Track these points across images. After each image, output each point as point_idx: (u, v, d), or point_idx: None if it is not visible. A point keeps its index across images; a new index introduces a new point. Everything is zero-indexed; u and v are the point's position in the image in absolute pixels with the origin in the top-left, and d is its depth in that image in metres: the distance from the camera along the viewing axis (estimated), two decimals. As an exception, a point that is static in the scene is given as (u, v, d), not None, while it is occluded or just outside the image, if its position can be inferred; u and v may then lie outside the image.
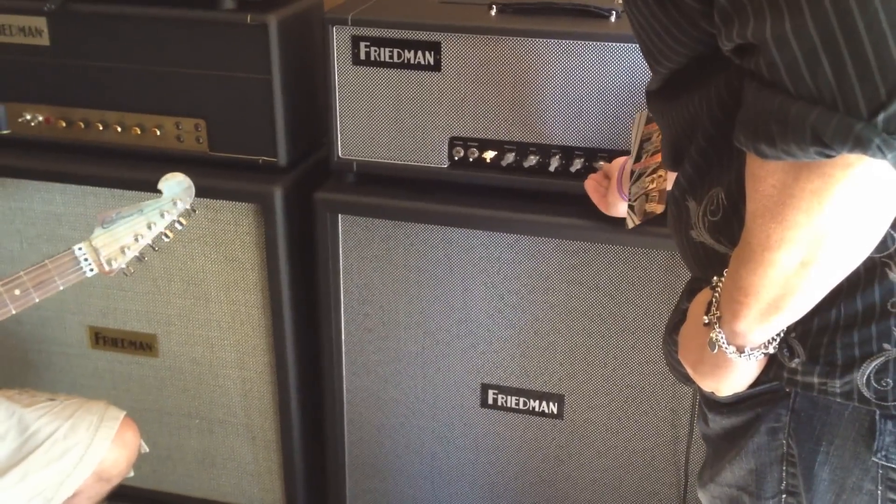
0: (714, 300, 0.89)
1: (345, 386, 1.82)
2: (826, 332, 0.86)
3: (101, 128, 1.76)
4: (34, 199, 1.83)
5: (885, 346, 0.83)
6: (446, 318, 1.72)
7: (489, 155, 1.59)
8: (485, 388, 1.76)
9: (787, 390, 0.91)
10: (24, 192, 1.83)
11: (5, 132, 1.81)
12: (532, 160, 1.58)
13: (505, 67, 1.53)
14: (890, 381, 0.83)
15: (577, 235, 1.59)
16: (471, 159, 1.60)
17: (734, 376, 0.91)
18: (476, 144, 1.59)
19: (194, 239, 1.77)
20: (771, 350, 0.89)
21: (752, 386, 0.93)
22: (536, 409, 1.75)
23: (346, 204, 1.67)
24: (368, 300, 1.74)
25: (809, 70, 0.69)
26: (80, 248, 1.33)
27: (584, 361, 1.69)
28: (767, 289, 0.80)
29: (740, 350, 0.88)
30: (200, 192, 1.42)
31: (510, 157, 1.58)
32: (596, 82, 1.50)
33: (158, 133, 1.73)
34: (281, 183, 1.70)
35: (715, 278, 0.89)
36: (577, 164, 1.56)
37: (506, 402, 1.76)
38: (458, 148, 1.60)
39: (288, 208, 1.71)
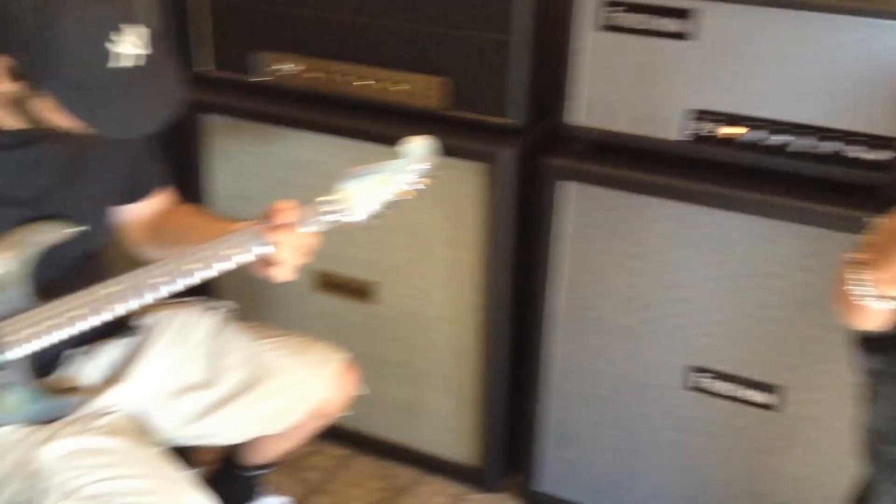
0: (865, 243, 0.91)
1: (554, 353, 1.83)
2: None
3: (352, 81, 1.81)
4: (280, 145, 1.92)
5: None
6: (664, 295, 1.69)
7: (730, 130, 1.54)
8: (693, 370, 1.72)
9: None
10: (270, 137, 1.93)
11: (267, 79, 1.90)
12: (778, 139, 1.51)
13: (764, 40, 1.46)
14: None
15: (818, 221, 1.52)
16: (711, 134, 1.55)
17: (869, 314, 0.93)
18: (719, 119, 1.55)
19: (421, 194, 1.81)
20: None
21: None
22: (747, 398, 1.70)
23: (577, 171, 1.67)
24: (587, 269, 1.74)
25: None
26: (325, 200, 1.35)
27: (810, 354, 1.62)
28: None
29: (877, 297, 0.92)
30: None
31: (754, 135, 1.53)
32: (862, 62, 1.42)
33: (402, 88, 1.77)
34: (513, 145, 1.71)
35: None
36: (827, 148, 1.48)
37: (714, 386, 1.72)
38: (699, 122, 1.56)
39: (517, 171, 1.72)
